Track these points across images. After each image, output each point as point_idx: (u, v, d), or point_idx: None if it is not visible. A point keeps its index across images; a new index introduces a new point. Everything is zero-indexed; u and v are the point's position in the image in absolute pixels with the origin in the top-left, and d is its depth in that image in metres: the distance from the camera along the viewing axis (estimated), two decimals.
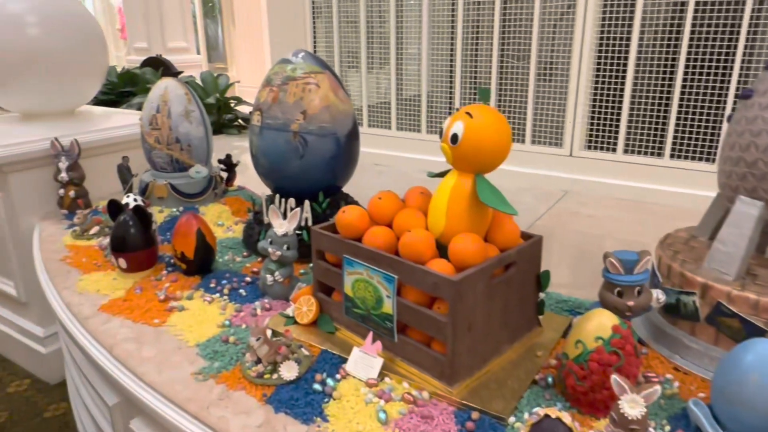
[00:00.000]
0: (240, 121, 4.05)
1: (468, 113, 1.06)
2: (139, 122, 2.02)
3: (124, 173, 2.00)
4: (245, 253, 1.72)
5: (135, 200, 1.73)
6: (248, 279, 1.53)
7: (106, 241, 1.81)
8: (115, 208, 1.59)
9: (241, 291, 1.48)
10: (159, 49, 6.67)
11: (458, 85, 2.66)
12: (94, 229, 1.88)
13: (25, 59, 2.17)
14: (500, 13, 2.46)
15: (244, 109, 4.20)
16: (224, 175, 2.20)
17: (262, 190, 2.33)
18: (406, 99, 2.87)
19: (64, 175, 2.05)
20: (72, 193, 2.08)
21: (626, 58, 2.23)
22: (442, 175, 1.18)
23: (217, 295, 1.46)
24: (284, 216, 1.63)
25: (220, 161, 2.21)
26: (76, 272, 1.63)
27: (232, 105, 4.04)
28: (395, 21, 2.82)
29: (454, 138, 1.06)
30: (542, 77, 2.45)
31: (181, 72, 5.13)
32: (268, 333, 1.11)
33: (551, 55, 2.42)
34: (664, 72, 2.20)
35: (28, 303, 2.25)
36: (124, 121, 2.48)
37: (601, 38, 2.25)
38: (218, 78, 4.09)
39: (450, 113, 2.74)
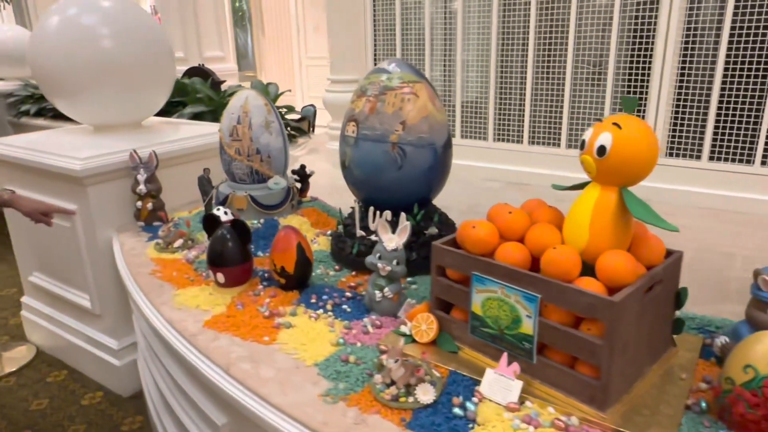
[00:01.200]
0: (289, 129, 4.06)
1: (616, 124, 1.01)
2: (219, 133, 2.00)
3: (205, 185, 1.99)
4: (337, 267, 1.69)
5: (225, 213, 1.71)
6: (348, 294, 1.50)
7: (192, 254, 1.80)
8: (210, 222, 1.57)
9: (345, 307, 1.44)
10: (196, 58, 6.74)
11: (529, 91, 2.62)
12: (178, 242, 1.86)
13: (99, 71, 2.18)
14: (576, 17, 2.41)
15: (291, 118, 4.20)
16: (298, 186, 2.18)
17: (333, 200, 2.34)
18: (467, 104, 2.83)
19: (142, 187, 2.05)
20: (149, 205, 2.08)
21: (714, 61, 2.16)
22: (575, 188, 1.14)
23: (321, 311, 1.43)
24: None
25: (293, 172, 2.20)
26: (169, 287, 1.61)
27: (283, 113, 4.06)
28: (462, 22, 2.79)
29: (602, 150, 1.01)
30: (620, 83, 2.39)
31: (223, 81, 5.17)
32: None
33: (630, 59, 2.36)
34: (756, 74, 2.11)
35: (102, 315, 2.25)
36: (192, 131, 2.48)
37: (687, 41, 2.18)
38: (268, 86, 4.10)
39: (521, 119, 2.69)
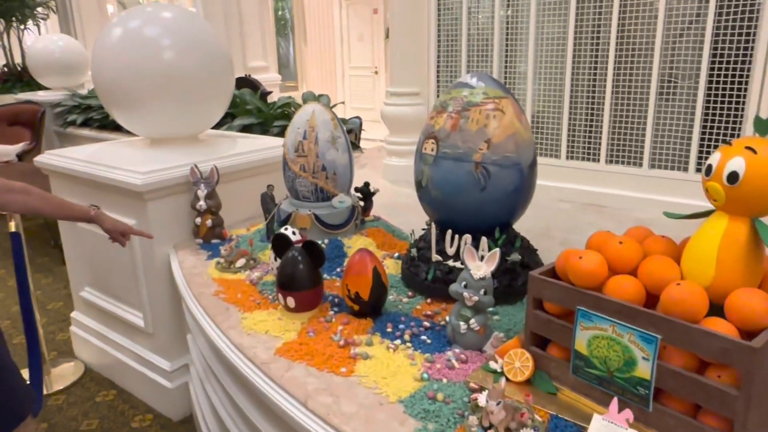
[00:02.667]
0: None
1: (750, 148, 0.96)
2: (282, 148, 2.02)
3: (268, 203, 2.01)
4: (410, 293, 1.66)
5: (294, 233, 1.72)
6: (426, 324, 1.47)
7: (255, 274, 1.81)
8: (280, 242, 1.57)
9: (424, 337, 1.41)
10: (240, 68, 6.90)
11: (608, 104, 2.56)
12: (240, 262, 1.88)
13: (160, 83, 2.24)
14: (664, 22, 2.35)
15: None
16: (361, 204, 2.18)
17: (394, 220, 2.33)
18: (537, 117, 2.79)
19: (202, 203, 2.08)
20: (209, 222, 2.11)
21: None
22: (693, 217, 1.08)
23: (398, 341, 1.40)
24: (454, 252, 1.58)
25: (357, 190, 2.20)
26: (235, 309, 1.62)
27: None
28: (534, 29, 2.76)
29: (733, 177, 0.96)
30: (712, 98, 2.31)
31: (270, 92, 5.26)
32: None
33: (724, 72, 2.28)
34: None
35: (155, 335, 2.28)
36: (250, 145, 2.51)
37: None
38: (320, 98, 4.15)
39: (598, 135, 2.63)
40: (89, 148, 2.65)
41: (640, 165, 2.52)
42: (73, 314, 2.75)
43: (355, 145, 4.36)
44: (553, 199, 2.70)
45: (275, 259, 1.69)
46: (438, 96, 3.10)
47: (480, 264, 1.33)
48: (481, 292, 1.32)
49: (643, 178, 2.49)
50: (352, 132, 5.29)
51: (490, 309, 1.53)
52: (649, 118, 2.46)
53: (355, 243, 1.97)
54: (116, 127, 4.58)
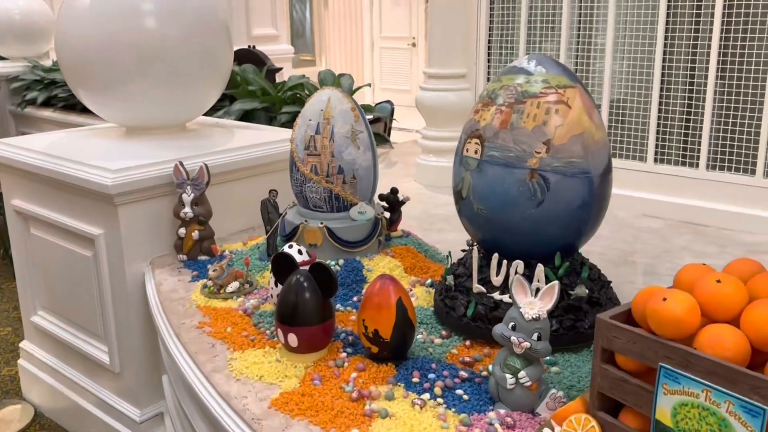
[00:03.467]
0: None
1: None
2: (290, 145, 2.04)
3: (270, 212, 2.03)
4: (444, 332, 1.67)
5: (300, 252, 1.73)
6: (463, 374, 1.47)
7: (251, 302, 1.83)
8: (282, 263, 1.59)
9: (460, 392, 1.41)
10: (242, 38, 7.00)
11: (711, 95, 2.52)
12: (233, 285, 1.90)
13: (138, 58, 2.29)
14: None
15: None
16: (386, 215, 2.19)
17: (429, 236, 2.34)
18: (617, 109, 2.76)
19: (188, 211, 2.11)
20: (195, 234, 2.14)
21: None
22: None
23: (427, 395, 1.40)
24: (503, 281, 1.57)
25: (381, 197, 2.21)
26: (222, 347, 1.64)
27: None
28: (615, 3, 2.75)
29: None
30: None
31: (279, 69, 5.32)
32: None
33: None
34: None
35: (122, 375, 2.32)
36: (250, 138, 2.56)
37: None
38: (340, 79, 4.18)
39: (696, 134, 2.60)
40: (49, 136, 2.71)
41: (753, 173, 2.47)
42: (23, 344, 2.82)
43: (382, 139, 4.38)
44: (635, 215, 2.67)
45: (276, 284, 1.70)
46: (489, 80, 3.10)
47: (533, 300, 1.33)
48: (534, 336, 1.31)
49: (756, 190, 2.45)
50: (381, 121, 5.32)
51: (547, 359, 1.51)
52: (765, 115, 2.42)
53: (377, 265, 1.98)
54: (85, 109, 4.67)
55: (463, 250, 1.77)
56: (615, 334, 1.15)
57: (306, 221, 2.01)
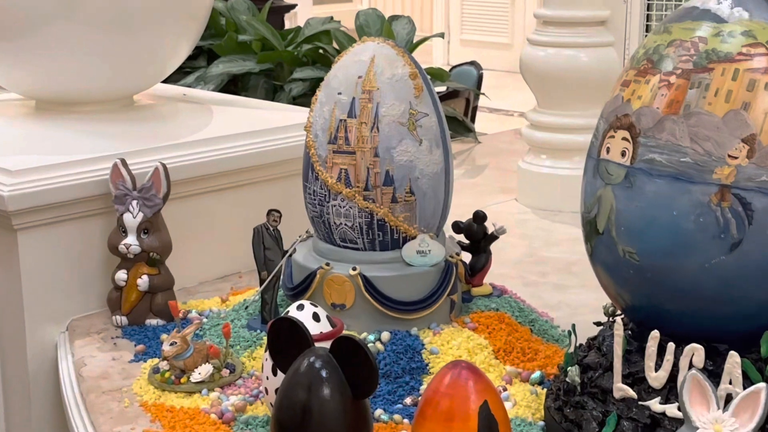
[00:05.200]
0: None
1: None
2: (306, 134, 2.05)
3: (268, 248, 2.04)
4: None
5: (316, 317, 1.72)
6: None
7: (232, 400, 1.83)
8: (287, 336, 1.58)
9: None
10: None
11: None
12: (202, 370, 1.91)
13: None
14: None
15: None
16: (464, 256, 2.20)
17: (542, 299, 2.32)
18: None
19: (132, 242, 2.14)
20: (144, 282, 2.17)
21: None
22: None
23: None
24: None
25: (457, 228, 2.23)
26: None
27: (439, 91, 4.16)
28: None
29: None
30: None
31: (292, 6, 5.39)
32: None
33: None
34: None
35: None
36: (237, 122, 2.59)
37: None
38: (392, 24, 4.21)
39: None
40: None
41: None
42: None
43: (462, 126, 4.38)
44: None
45: (274, 372, 1.70)
46: (648, 31, 3.05)
47: (721, 415, 1.30)
48: None
49: None
50: (461, 96, 5.33)
51: None
52: None
53: (446, 345, 1.98)
54: None
55: (598, 323, 1.75)
56: None
57: (328, 265, 2.00)
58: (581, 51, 3.20)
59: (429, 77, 2.07)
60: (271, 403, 1.69)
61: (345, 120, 1.99)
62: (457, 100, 5.10)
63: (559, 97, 3.27)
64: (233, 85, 3.85)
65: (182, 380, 1.91)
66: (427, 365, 1.93)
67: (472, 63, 5.83)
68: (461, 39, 11.00)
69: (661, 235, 1.53)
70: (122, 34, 2.43)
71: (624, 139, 1.57)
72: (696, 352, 1.53)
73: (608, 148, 1.59)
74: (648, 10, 3.20)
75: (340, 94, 2.01)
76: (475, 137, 4.36)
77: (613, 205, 1.58)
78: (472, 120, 5.22)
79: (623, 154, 1.56)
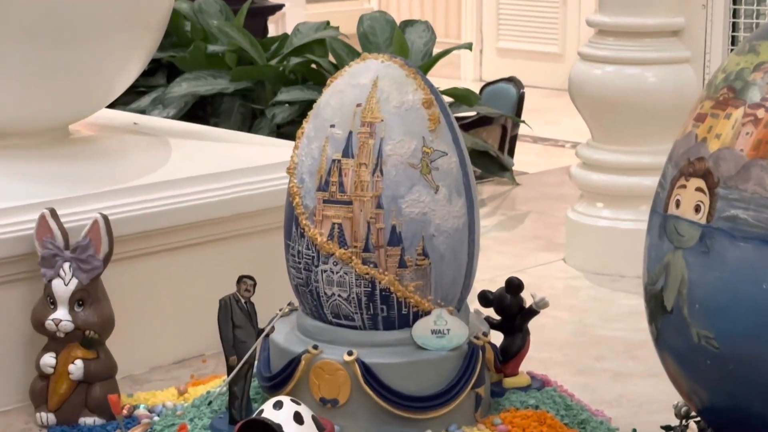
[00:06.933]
0: None
1: None
2: (289, 177, 2.05)
3: (240, 321, 2.03)
4: None
5: (298, 418, 1.71)
6: None
7: None
8: None
9: None
10: None
11: None
12: None
13: None
14: None
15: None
16: (493, 336, 2.18)
17: (597, 392, 2.31)
18: None
19: (64, 319, 2.13)
20: (77, 369, 2.15)
21: None
22: None
23: None
24: None
25: (484, 300, 2.22)
26: None
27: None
28: None
29: None
30: None
31: (278, 7, 5.42)
32: None
33: None
34: None
35: None
36: (201, 160, 2.59)
37: None
38: (405, 31, 4.23)
39: None
40: None
41: None
42: None
43: (496, 164, 4.40)
44: None
45: None
46: (731, 50, 3.07)
47: None
48: None
49: None
50: (494, 123, 5.34)
51: None
52: None
53: None
54: None
55: (668, 429, 1.76)
56: None
57: (316, 348, 2.00)
58: (649, 69, 3.19)
59: (449, 103, 2.06)
60: None
61: (339, 160, 1.98)
62: (490, 129, 5.10)
63: (620, 128, 3.26)
64: (200, 110, 3.85)
65: None
66: None
67: (511, 79, 5.84)
68: (497, 48, 11.02)
69: (748, 315, 1.52)
70: (56, 48, 2.44)
71: (698, 190, 1.56)
72: None
73: (678, 201, 1.59)
74: (734, 17, 3.17)
75: (333, 126, 2.00)
76: (513, 178, 4.36)
77: (684, 275, 1.57)
78: (510, 154, 5.21)
79: (697, 209, 1.56)
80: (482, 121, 5.07)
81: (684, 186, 1.59)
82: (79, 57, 2.48)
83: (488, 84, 6.02)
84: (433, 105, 2.02)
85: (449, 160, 2.01)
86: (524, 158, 5.83)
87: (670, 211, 1.61)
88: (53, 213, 2.16)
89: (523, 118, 5.48)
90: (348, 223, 1.97)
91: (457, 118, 4.40)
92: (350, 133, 1.98)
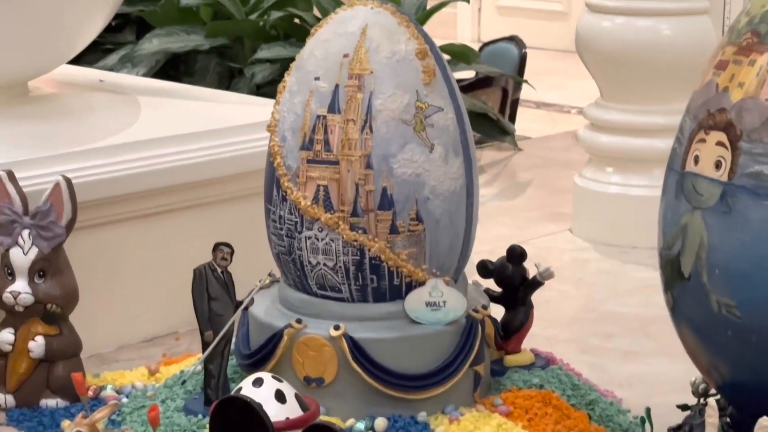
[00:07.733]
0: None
1: None
2: (270, 135, 2.04)
3: (216, 293, 2.02)
4: None
5: (280, 396, 1.71)
6: None
7: None
8: (237, 422, 1.58)
9: None
10: None
11: None
12: None
13: None
14: None
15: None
16: (494, 310, 2.17)
17: (605, 370, 2.32)
18: None
19: (23, 292, 2.13)
20: (38, 346, 2.15)
21: None
22: None
23: None
24: None
25: (483, 270, 2.22)
26: None
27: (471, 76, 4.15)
28: None
29: None
30: None
31: None
32: None
33: None
34: None
35: None
36: (172, 120, 2.59)
37: None
38: None
39: None
40: None
41: None
42: None
43: (496, 128, 4.40)
44: None
45: None
46: None
47: None
48: None
49: None
50: (494, 85, 5.34)
51: None
52: None
53: None
54: None
55: (684, 407, 1.76)
56: None
57: (300, 322, 1.99)
58: (663, 20, 3.18)
59: (446, 57, 2.04)
60: None
61: (325, 116, 1.97)
62: (489, 91, 5.10)
63: (632, 85, 3.25)
64: (173, 69, 3.84)
65: None
66: None
67: (512, 39, 5.84)
68: (497, 6, 11.03)
69: None
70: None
71: (719, 144, 1.55)
72: None
73: (697, 156, 1.58)
74: None
75: (317, 79, 1.99)
76: (514, 142, 4.36)
77: (703, 238, 1.57)
78: (511, 119, 5.22)
79: (718, 165, 1.55)
80: (481, 83, 5.07)
81: (703, 140, 1.58)
82: (36, 5, 2.46)
83: (487, 44, 6.01)
84: (428, 56, 2.00)
85: (445, 116, 2.00)
86: (526, 124, 5.82)
87: (688, 168, 1.60)
88: (11, 176, 2.15)
89: (524, 80, 5.47)
90: (334, 185, 1.96)
91: (465, 82, 4.41)
92: (336, 86, 1.97)
